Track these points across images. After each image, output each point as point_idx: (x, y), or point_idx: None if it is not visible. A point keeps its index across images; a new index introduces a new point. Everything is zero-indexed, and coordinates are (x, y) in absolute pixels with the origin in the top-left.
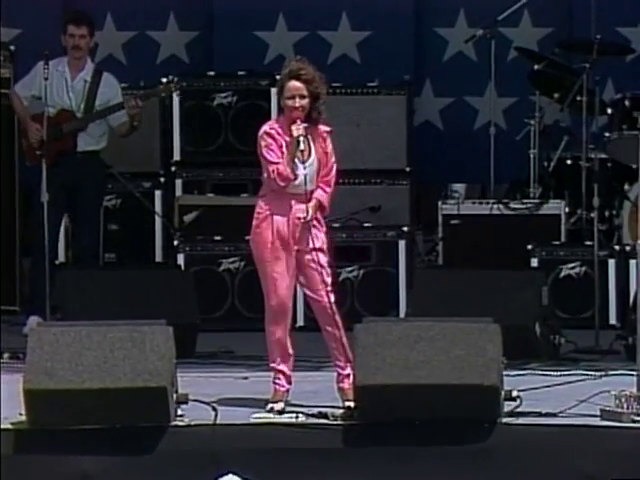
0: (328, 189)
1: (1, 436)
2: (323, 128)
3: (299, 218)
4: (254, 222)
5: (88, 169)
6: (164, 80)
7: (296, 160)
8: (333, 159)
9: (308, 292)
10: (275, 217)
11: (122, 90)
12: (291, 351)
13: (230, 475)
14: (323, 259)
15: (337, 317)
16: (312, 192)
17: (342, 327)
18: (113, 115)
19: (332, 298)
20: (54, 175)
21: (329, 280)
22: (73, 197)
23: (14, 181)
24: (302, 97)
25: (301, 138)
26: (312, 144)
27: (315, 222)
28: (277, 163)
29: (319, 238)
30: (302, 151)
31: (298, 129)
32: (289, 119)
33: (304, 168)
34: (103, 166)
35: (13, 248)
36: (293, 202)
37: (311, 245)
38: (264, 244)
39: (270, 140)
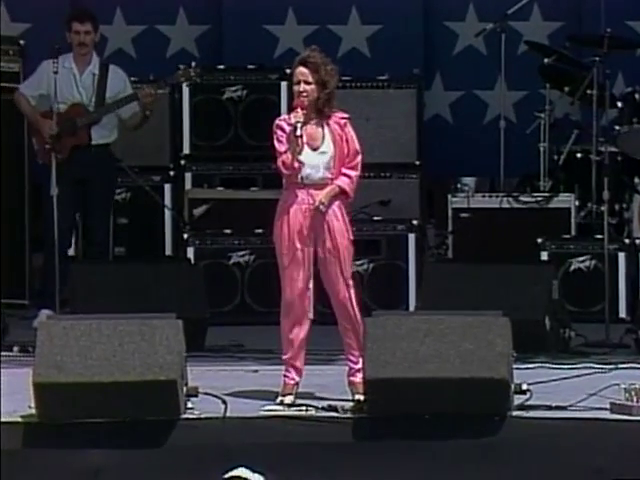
0: (351, 175)
1: (6, 430)
2: (339, 115)
3: (307, 208)
4: (275, 215)
5: (100, 163)
6: (182, 67)
7: (306, 147)
8: (356, 145)
9: (326, 285)
10: (292, 209)
11: (133, 84)
12: (304, 344)
13: (241, 468)
14: (343, 251)
15: (356, 313)
16: (332, 180)
17: (360, 323)
18: (124, 107)
19: (352, 292)
20: (67, 170)
21: (349, 274)
22: (85, 191)
23: (23, 176)
24: (307, 83)
25: (298, 125)
26: (325, 132)
27: (334, 210)
28: (283, 153)
29: (338, 227)
30: (298, 137)
31: (296, 116)
32: (296, 106)
33: (315, 156)
34: (114, 160)
35: (23, 243)
36: (310, 192)
37: (327, 235)
38: (281, 237)
39: (280, 132)
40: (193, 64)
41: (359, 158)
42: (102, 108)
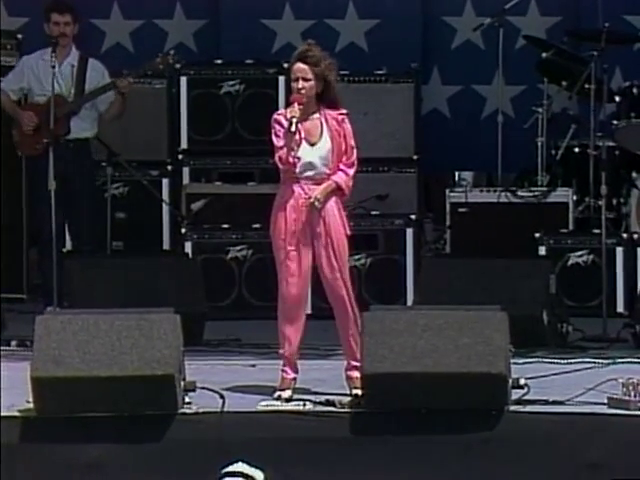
0: (348, 172)
1: (4, 424)
2: (337, 111)
3: (303, 204)
4: (273, 210)
5: (80, 159)
6: (160, 54)
7: (303, 143)
8: (352, 142)
9: (323, 280)
10: (289, 204)
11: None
12: (300, 339)
13: (239, 463)
14: (339, 247)
15: (353, 308)
16: (329, 175)
17: (357, 317)
18: (101, 99)
19: (349, 287)
20: (45, 164)
21: (345, 270)
22: (66, 189)
23: (21, 170)
24: (305, 80)
25: (294, 120)
26: (323, 128)
27: (332, 206)
28: (280, 148)
29: (334, 223)
30: (294, 133)
31: (292, 111)
32: (293, 101)
33: (313, 151)
34: (93, 155)
35: (20, 237)
36: (307, 187)
37: (323, 231)
38: (278, 232)
39: (277, 126)
40: (172, 52)
41: (355, 155)
42: (80, 98)
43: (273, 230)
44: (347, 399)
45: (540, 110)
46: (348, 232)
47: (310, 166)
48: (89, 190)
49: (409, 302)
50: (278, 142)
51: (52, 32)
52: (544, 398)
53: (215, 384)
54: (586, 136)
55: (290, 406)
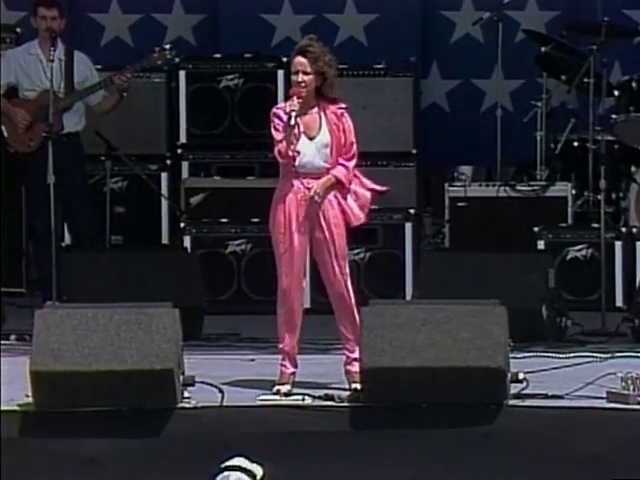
0: (347, 165)
1: (3, 418)
2: (336, 105)
3: (302, 198)
4: (272, 204)
5: (73, 153)
6: (157, 48)
7: (303, 137)
8: (352, 137)
9: (322, 274)
10: (288, 198)
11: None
12: (299, 333)
13: (239, 458)
14: (338, 241)
15: (352, 302)
16: (328, 169)
17: (356, 312)
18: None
19: (348, 283)
20: (41, 159)
21: (344, 264)
22: (61, 182)
23: (21, 165)
24: (305, 73)
25: (293, 114)
26: (322, 122)
27: (331, 200)
28: (279, 141)
29: (333, 217)
30: (293, 126)
31: (291, 105)
32: (292, 95)
33: (312, 145)
34: (83, 148)
35: (20, 231)
36: (306, 181)
37: (322, 225)
38: (277, 225)
39: (277, 120)
40: (168, 46)
41: (354, 149)
42: (75, 94)
43: (272, 224)
44: (346, 393)
45: (539, 104)
46: (354, 222)
47: (309, 160)
48: (83, 183)
49: (408, 296)
50: (277, 136)
51: (39, 26)
52: (543, 392)
53: (214, 378)
54: (585, 130)
55: (289, 400)
